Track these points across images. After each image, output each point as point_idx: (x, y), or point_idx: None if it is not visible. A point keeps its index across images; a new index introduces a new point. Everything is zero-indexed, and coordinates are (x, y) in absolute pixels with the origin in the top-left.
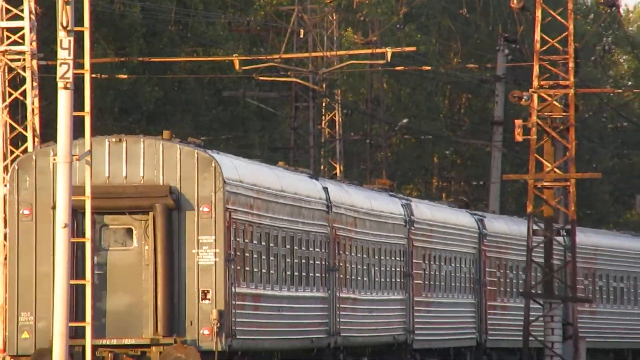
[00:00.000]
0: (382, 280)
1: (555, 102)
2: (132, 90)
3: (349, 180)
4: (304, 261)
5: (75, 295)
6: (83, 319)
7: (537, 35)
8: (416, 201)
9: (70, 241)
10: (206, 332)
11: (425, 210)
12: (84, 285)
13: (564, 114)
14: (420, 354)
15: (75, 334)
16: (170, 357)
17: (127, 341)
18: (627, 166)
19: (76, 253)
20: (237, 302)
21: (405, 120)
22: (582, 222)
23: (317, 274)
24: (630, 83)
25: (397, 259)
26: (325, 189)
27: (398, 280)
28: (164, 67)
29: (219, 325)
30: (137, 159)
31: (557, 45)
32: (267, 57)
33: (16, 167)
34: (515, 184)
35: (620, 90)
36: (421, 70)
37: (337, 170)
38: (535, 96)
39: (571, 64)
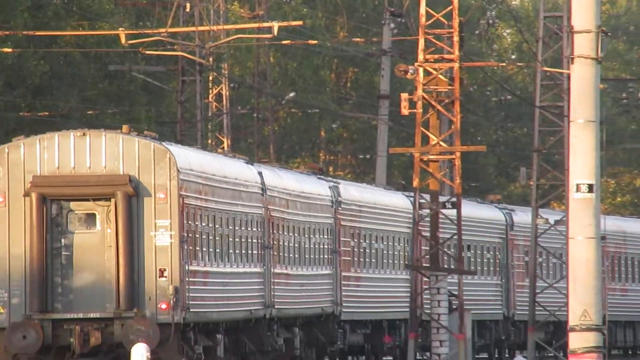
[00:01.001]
0: (312, 256)
1: (440, 76)
2: (17, 64)
3: (238, 153)
4: (243, 240)
5: (45, 275)
6: (54, 298)
7: (423, 9)
8: (345, 183)
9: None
10: (164, 306)
11: (354, 192)
12: (53, 265)
13: (449, 87)
14: (350, 325)
15: (45, 309)
16: (131, 330)
17: (92, 315)
18: (511, 139)
19: (45, 236)
20: (189, 279)
21: (292, 94)
22: (468, 195)
23: (254, 252)
24: (513, 56)
25: (325, 237)
26: (260, 174)
27: (326, 256)
28: (50, 41)
29: (174, 300)
30: (100, 151)
31: (442, 19)
32: (154, 31)
33: None
34: (401, 157)
35: (504, 64)
36: (308, 44)
37: (225, 144)
38: (420, 70)
39: (456, 38)
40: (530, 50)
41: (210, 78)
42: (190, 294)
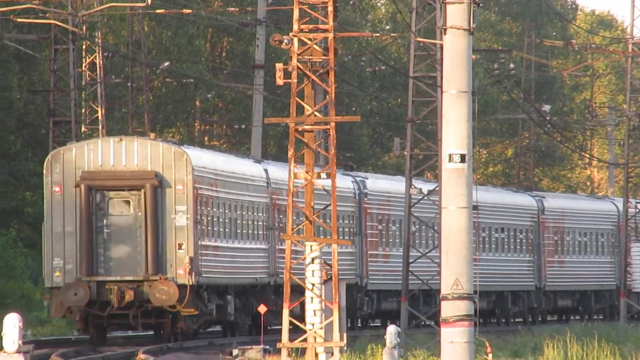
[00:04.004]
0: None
1: (315, 46)
2: None
3: (112, 122)
4: (250, 222)
5: (91, 247)
6: (98, 264)
7: None
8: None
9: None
10: (181, 271)
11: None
12: (97, 239)
13: (324, 57)
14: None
15: (91, 272)
16: (157, 289)
17: (127, 278)
18: (385, 109)
19: (91, 217)
20: (202, 251)
21: (166, 64)
22: (339, 165)
23: (259, 232)
24: (387, 27)
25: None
26: (266, 170)
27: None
28: None
29: (190, 266)
30: (133, 153)
31: None
32: None
33: (49, 158)
34: (276, 127)
35: (378, 34)
36: (182, 13)
37: (99, 114)
38: (295, 40)
39: (330, 8)
40: (404, 20)
41: (84, 47)
42: (203, 263)
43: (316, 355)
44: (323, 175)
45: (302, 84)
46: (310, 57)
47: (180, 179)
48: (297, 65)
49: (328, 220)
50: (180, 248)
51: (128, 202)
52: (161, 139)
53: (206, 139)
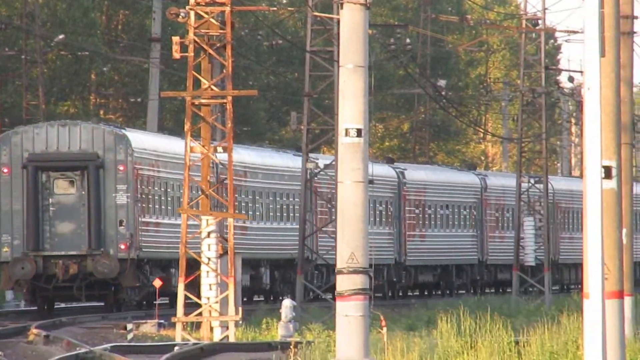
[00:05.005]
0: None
1: (212, 20)
2: None
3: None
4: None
5: (37, 224)
6: (43, 240)
7: None
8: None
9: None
10: (123, 246)
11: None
12: (43, 217)
13: (221, 31)
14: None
15: (38, 248)
16: (99, 263)
17: (71, 253)
18: (282, 84)
19: (37, 196)
20: (142, 227)
21: (61, 36)
22: (239, 139)
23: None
24: (284, 1)
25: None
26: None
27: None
28: None
29: (130, 242)
30: (76, 136)
31: None
32: None
33: None
34: (173, 101)
35: (275, 9)
36: None
37: None
38: (192, 13)
39: None
40: None
41: None
42: (143, 238)
43: (211, 329)
44: (220, 149)
45: (199, 57)
46: (207, 31)
47: (121, 160)
48: (193, 38)
49: (258, 198)
50: (121, 225)
51: (72, 182)
52: (103, 123)
53: (102, 112)
